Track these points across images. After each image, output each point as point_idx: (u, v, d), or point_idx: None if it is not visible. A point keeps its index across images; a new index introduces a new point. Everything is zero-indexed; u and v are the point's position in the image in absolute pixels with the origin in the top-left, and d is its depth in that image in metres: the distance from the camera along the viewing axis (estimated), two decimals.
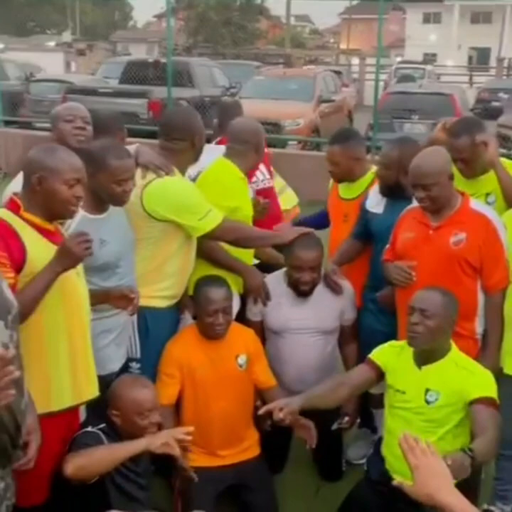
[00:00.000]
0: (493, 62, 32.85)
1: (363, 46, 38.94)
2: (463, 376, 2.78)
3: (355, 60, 26.81)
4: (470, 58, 40.09)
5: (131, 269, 3.08)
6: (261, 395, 3.40)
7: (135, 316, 3.13)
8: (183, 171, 3.32)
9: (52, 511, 2.67)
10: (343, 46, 41.74)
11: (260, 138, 3.61)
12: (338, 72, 17.76)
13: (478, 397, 2.66)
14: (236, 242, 3.36)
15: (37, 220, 2.53)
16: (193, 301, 3.29)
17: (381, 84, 11.05)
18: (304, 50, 39.67)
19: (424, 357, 2.82)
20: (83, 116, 3.43)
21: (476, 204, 3.19)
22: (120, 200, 2.95)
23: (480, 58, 39.61)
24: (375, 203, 3.61)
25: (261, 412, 3.01)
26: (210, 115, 6.87)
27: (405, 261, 3.17)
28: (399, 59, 33.78)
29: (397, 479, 2.24)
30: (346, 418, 3.49)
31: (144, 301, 3.13)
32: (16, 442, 2.11)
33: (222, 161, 3.54)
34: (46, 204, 2.51)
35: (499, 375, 2.92)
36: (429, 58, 36.99)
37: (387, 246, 3.36)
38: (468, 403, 2.68)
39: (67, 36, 43.82)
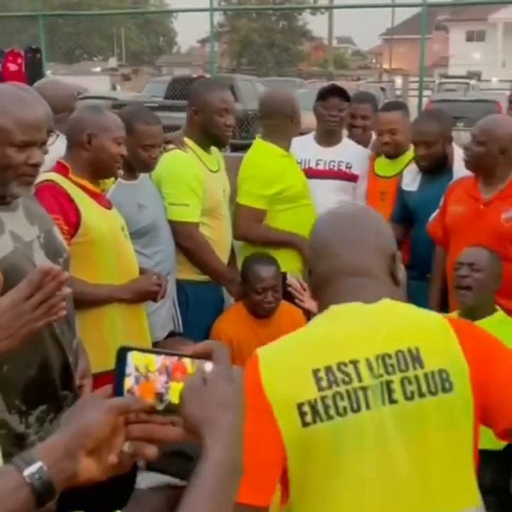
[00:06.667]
0: None
1: (406, 66, 38.83)
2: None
3: (398, 80, 26.81)
4: None
5: (169, 238, 3.11)
6: None
7: (175, 291, 3.14)
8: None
9: None
10: (385, 66, 41.68)
11: (293, 105, 3.49)
12: (382, 89, 17.73)
13: None
14: (187, 252, 3.23)
15: (85, 183, 2.58)
16: (242, 279, 3.29)
17: (425, 100, 10.99)
18: (346, 70, 39.77)
19: (470, 315, 2.78)
20: None
21: None
22: (146, 166, 2.97)
23: None
24: (410, 181, 3.58)
25: None
26: (254, 129, 6.84)
27: None
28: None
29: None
30: None
31: (183, 275, 3.16)
32: (67, 383, 2.12)
33: (258, 144, 3.52)
34: (94, 162, 2.56)
35: None
36: (473, 76, 36.73)
37: (434, 215, 3.32)
38: None
39: (113, 62, 44.76)
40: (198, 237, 3.18)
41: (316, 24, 43.43)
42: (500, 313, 2.82)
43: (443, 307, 3.24)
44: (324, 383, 1.22)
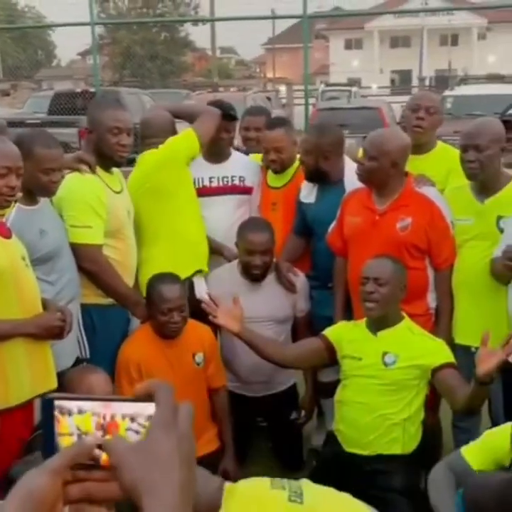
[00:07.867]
0: (414, 84, 33.88)
1: (289, 75, 39.63)
2: (419, 341, 2.82)
3: (282, 88, 27.31)
4: (392, 81, 41.27)
5: (72, 262, 3.01)
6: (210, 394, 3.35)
7: (80, 315, 3.05)
8: None
9: None
10: (269, 75, 42.37)
11: (174, 122, 3.61)
12: (268, 98, 17.97)
13: (444, 363, 2.75)
14: (91, 275, 3.13)
15: None
16: (147, 300, 3.22)
17: (309, 107, 11.22)
18: (231, 80, 40.10)
19: (379, 324, 2.86)
20: None
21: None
22: (47, 191, 2.86)
23: (402, 81, 40.81)
24: (307, 193, 3.64)
25: None
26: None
27: None
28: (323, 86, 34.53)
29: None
30: (303, 412, 3.47)
31: (87, 299, 3.07)
32: None
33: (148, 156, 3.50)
34: None
35: (451, 347, 2.97)
36: (354, 83, 37.94)
37: (332, 227, 3.38)
38: (432, 370, 2.75)
39: None
40: (101, 259, 3.10)
41: (198, 35, 43.58)
42: (406, 321, 2.91)
43: (346, 315, 3.31)
44: None
